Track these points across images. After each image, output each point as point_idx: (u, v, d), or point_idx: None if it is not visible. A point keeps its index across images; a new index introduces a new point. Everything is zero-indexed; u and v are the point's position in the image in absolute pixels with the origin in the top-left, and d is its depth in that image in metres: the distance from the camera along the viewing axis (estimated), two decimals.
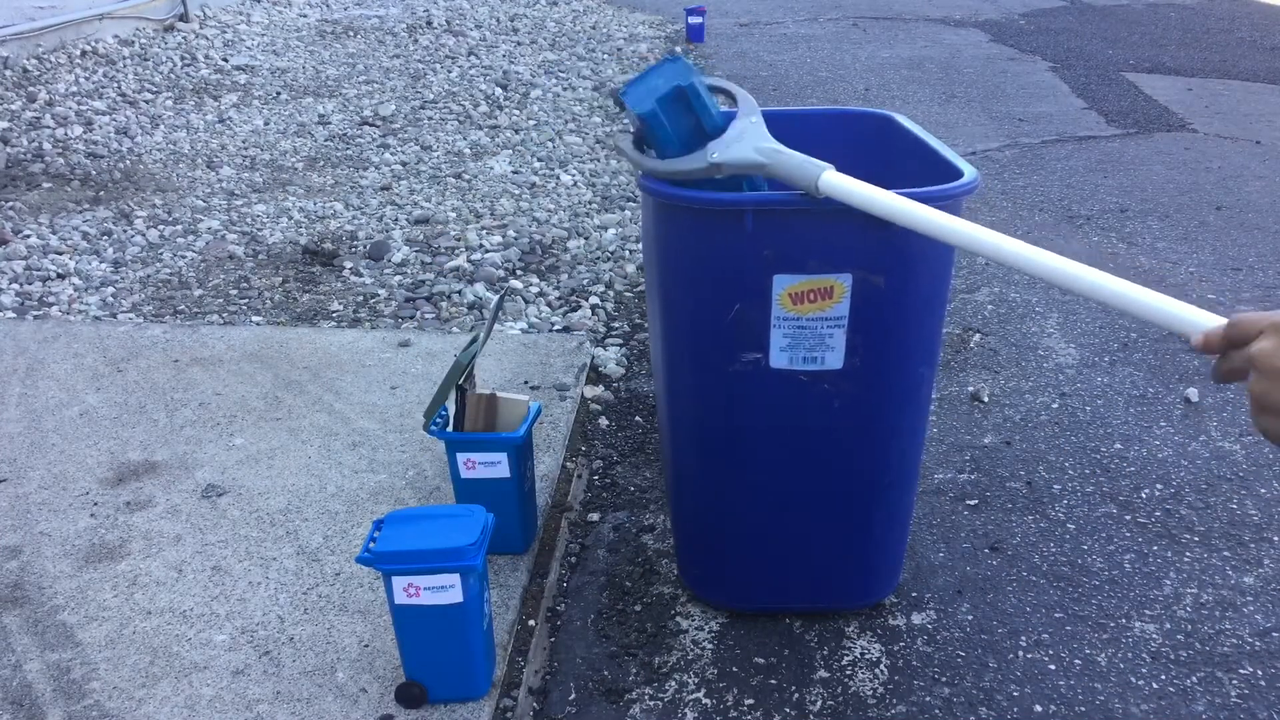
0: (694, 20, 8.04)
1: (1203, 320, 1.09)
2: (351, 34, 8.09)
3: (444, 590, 1.66)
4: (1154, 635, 2.04)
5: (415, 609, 1.67)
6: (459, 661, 1.74)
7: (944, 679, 1.93)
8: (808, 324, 1.73)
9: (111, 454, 2.49)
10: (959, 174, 1.76)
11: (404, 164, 4.97)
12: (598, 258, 3.87)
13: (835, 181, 1.60)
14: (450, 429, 2.08)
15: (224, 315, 3.37)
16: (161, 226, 4.10)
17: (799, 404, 1.81)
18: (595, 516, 2.44)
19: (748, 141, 1.68)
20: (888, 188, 2.16)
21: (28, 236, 3.95)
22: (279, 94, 6.24)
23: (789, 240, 1.68)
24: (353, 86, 6.45)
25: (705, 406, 1.89)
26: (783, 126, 2.33)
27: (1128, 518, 2.40)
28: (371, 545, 1.67)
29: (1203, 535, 2.33)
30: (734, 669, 1.96)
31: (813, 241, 1.68)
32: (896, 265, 1.70)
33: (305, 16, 8.74)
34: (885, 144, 2.20)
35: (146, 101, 5.92)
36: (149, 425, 2.61)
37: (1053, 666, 1.96)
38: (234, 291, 3.55)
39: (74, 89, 6.03)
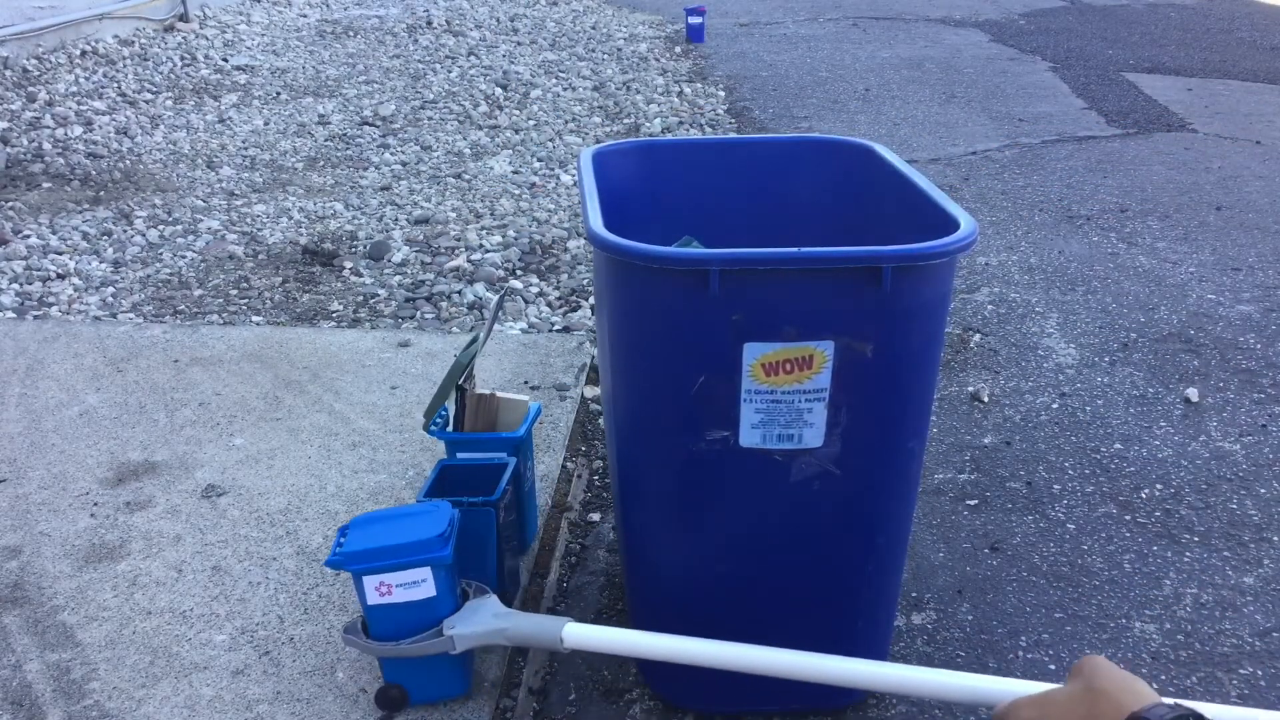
0: (694, 20, 8.05)
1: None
2: (351, 34, 8.09)
3: (416, 586, 1.64)
4: (1154, 635, 2.04)
5: (389, 608, 1.66)
6: (436, 660, 1.71)
7: None
8: (783, 397, 1.51)
9: (111, 454, 2.49)
10: (949, 219, 1.53)
11: (404, 164, 4.98)
12: None
13: (579, 632, 1.63)
14: (450, 429, 2.08)
15: (224, 315, 3.37)
16: (161, 226, 4.11)
17: (772, 487, 1.58)
18: (595, 516, 2.44)
19: (485, 612, 1.73)
20: (866, 233, 1.90)
21: (28, 236, 3.96)
22: (279, 94, 6.24)
23: (761, 304, 1.44)
24: (353, 86, 6.45)
25: (664, 489, 1.66)
26: (753, 156, 2.11)
27: (1128, 518, 2.40)
28: (339, 549, 1.65)
29: (1203, 535, 2.33)
30: None
31: (789, 305, 1.44)
32: (885, 328, 1.48)
33: (305, 16, 8.74)
34: (865, 179, 1.96)
35: (146, 101, 5.93)
36: (149, 425, 2.61)
37: (1053, 666, 1.96)
38: (234, 291, 3.56)
39: (74, 89, 6.03)
